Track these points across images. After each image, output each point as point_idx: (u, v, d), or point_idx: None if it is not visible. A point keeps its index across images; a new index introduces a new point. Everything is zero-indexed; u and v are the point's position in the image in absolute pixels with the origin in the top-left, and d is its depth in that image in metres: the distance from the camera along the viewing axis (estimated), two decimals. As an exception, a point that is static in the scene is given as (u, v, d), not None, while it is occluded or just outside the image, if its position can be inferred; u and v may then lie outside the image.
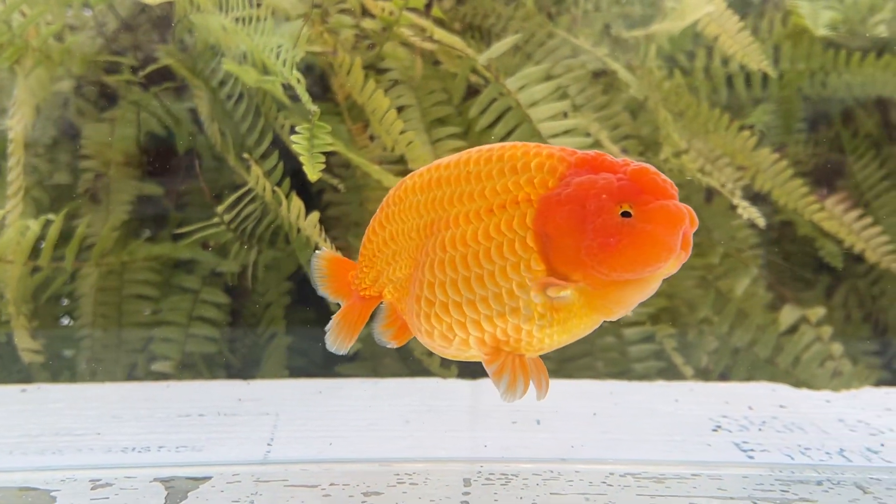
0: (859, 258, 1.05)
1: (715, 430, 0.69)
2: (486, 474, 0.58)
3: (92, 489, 0.56)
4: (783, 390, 0.84)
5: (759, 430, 0.65)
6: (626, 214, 0.44)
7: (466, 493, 0.55)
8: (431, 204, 0.49)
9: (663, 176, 0.45)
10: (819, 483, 0.58)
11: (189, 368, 0.95)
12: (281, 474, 0.59)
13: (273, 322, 0.98)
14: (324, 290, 0.56)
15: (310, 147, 0.70)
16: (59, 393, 0.81)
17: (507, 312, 0.46)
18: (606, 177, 0.45)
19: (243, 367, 0.99)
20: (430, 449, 0.64)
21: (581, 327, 0.47)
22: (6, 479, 0.59)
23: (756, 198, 1.02)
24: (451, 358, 0.52)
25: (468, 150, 0.50)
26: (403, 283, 0.51)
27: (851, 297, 1.14)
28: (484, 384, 0.81)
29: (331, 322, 0.55)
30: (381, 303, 0.55)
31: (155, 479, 0.58)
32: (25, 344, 0.85)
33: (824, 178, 1.12)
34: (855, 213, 1.04)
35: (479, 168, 0.48)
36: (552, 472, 0.59)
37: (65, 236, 0.91)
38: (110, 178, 1.00)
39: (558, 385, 0.83)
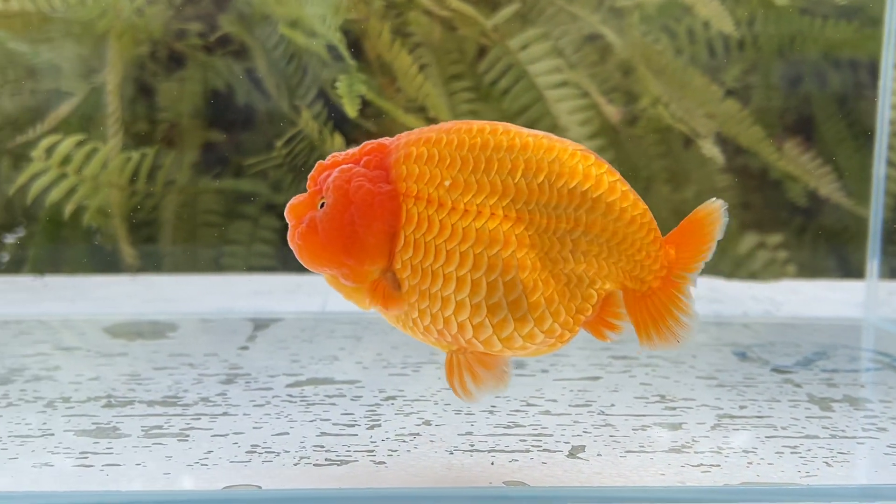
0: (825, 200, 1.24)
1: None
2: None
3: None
4: (717, 282, 1.09)
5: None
6: None
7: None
8: None
9: (317, 169, 0.49)
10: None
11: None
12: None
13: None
14: None
15: (349, 91, 0.90)
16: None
17: None
18: None
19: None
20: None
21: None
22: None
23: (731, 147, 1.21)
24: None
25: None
26: None
27: (814, 231, 1.32)
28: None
29: None
30: None
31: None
32: (127, 251, 1.08)
33: (795, 128, 1.30)
34: (809, 155, 1.22)
35: None
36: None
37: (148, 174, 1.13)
38: (182, 127, 1.22)
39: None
